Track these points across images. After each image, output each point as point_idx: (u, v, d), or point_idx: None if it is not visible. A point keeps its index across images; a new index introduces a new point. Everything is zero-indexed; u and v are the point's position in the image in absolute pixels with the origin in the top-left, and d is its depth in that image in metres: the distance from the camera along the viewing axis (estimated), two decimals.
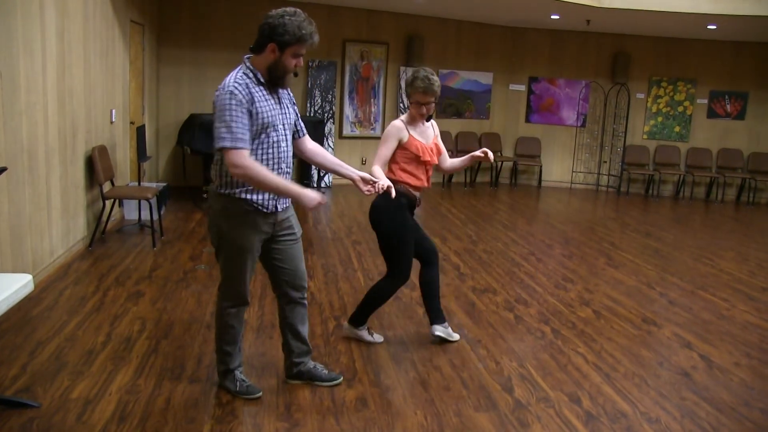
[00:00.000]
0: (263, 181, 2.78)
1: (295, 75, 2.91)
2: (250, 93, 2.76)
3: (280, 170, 2.90)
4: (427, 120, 3.74)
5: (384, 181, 3.12)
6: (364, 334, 3.87)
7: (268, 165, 2.86)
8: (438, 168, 3.87)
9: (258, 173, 2.76)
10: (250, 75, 2.80)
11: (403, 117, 3.69)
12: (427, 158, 3.65)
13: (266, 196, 2.89)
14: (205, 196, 7.92)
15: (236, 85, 2.74)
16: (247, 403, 3.05)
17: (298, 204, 2.92)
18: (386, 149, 3.60)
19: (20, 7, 4.13)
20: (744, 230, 8.52)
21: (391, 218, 3.62)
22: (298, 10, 2.83)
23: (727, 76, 10.81)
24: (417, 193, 3.70)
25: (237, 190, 2.84)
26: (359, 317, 3.85)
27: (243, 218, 2.89)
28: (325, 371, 3.32)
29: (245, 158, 2.73)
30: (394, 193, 3.15)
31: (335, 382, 3.30)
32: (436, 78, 3.58)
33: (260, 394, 3.12)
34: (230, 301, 3.04)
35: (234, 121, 2.70)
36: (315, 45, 2.86)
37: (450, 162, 3.91)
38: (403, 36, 10.08)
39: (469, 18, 10.31)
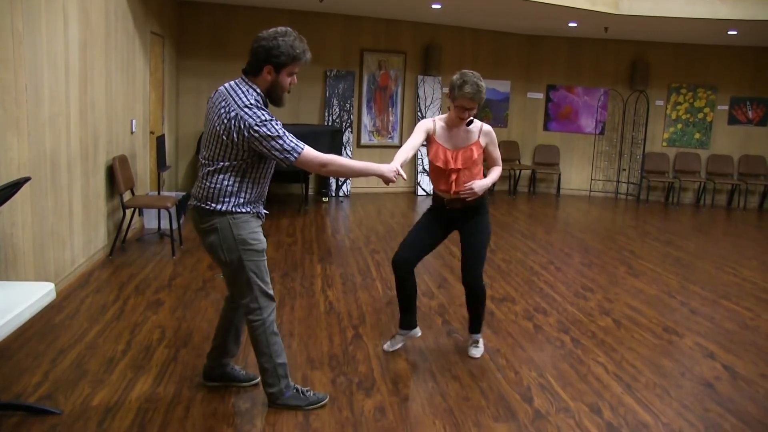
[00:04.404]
0: (351, 167, 3.02)
1: (288, 92, 2.94)
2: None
3: (266, 188, 2.98)
4: (468, 124, 3.62)
5: (390, 166, 3.11)
6: (402, 336, 3.87)
7: (264, 180, 2.93)
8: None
9: (344, 161, 2.99)
10: (260, 100, 2.81)
11: (439, 117, 3.66)
12: (438, 163, 3.58)
13: (260, 206, 2.97)
14: None
15: (261, 103, 2.80)
16: (265, 412, 3.05)
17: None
18: (415, 136, 3.55)
19: (45, 22, 4.21)
20: (767, 238, 8.39)
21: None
22: (289, 29, 2.83)
23: (749, 82, 10.69)
24: (443, 195, 3.66)
25: (238, 201, 2.86)
26: (403, 320, 3.85)
27: (254, 224, 2.93)
28: (243, 372, 3.33)
29: (320, 153, 2.85)
30: (404, 175, 3.16)
31: (253, 382, 3.30)
32: (483, 84, 3.47)
33: (327, 397, 3.18)
34: (268, 309, 2.98)
35: (284, 131, 2.76)
36: (308, 62, 2.88)
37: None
38: (421, 45, 10.11)
39: (486, 27, 10.31)
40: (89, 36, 5.08)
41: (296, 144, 2.77)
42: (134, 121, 6.45)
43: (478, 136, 3.64)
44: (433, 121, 3.63)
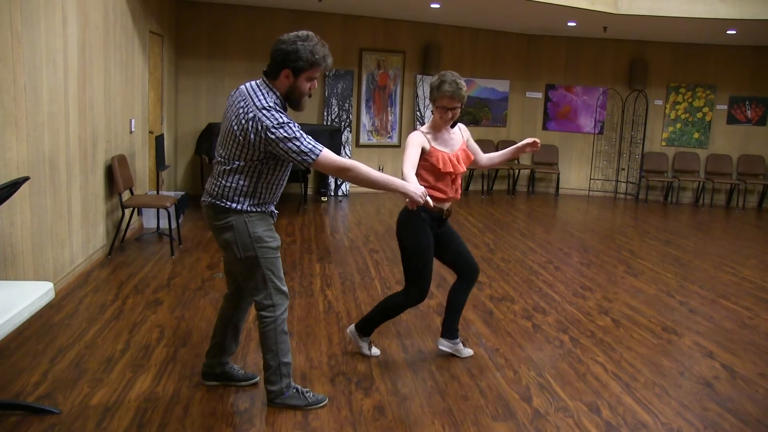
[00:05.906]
0: (372, 178, 2.85)
1: (309, 96, 2.92)
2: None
3: (280, 191, 2.98)
4: (453, 126, 3.58)
5: (419, 188, 3.00)
6: (364, 346, 3.75)
7: (279, 184, 2.94)
8: (476, 165, 3.75)
9: (366, 170, 2.83)
10: (279, 103, 2.80)
11: (424, 127, 3.54)
12: (449, 169, 3.46)
13: (272, 206, 2.98)
14: None
15: (280, 106, 2.79)
16: (264, 411, 3.05)
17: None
18: (413, 152, 3.36)
19: (44, 21, 4.21)
20: (766, 237, 8.40)
21: (411, 234, 3.48)
22: (311, 33, 2.81)
23: (748, 82, 10.70)
24: (442, 206, 3.52)
25: (253, 201, 2.88)
26: (366, 327, 3.71)
27: (269, 222, 2.96)
28: (242, 371, 3.33)
29: (340, 158, 2.81)
30: (431, 202, 3.04)
31: (251, 382, 3.30)
32: (463, 82, 3.42)
33: (326, 399, 3.17)
34: (281, 307, 2.98)
35: (301, 133, 2.73)
36: (329, 67, 2.87)
37: (487, 157, 3.78)
38: (420, 44, 10.10)
39: (485, 26, 10.31)
40: (88, 35, 5.08)
41: (314, 146, 2.73)
42: (133, 121, 6.44)
43: (462, 135, 3.66)
44: (422, 133, 3.49)
